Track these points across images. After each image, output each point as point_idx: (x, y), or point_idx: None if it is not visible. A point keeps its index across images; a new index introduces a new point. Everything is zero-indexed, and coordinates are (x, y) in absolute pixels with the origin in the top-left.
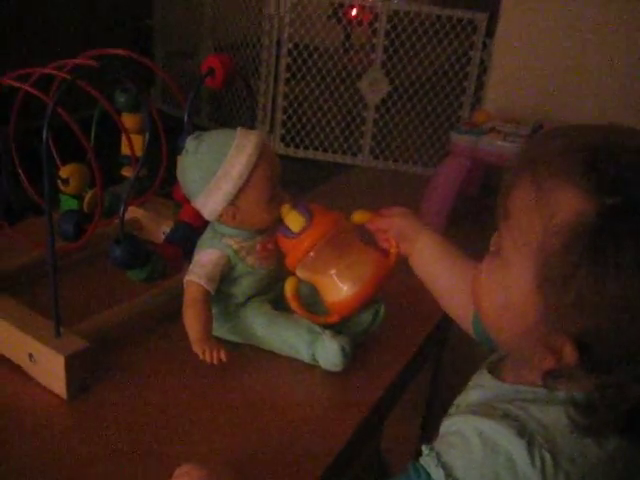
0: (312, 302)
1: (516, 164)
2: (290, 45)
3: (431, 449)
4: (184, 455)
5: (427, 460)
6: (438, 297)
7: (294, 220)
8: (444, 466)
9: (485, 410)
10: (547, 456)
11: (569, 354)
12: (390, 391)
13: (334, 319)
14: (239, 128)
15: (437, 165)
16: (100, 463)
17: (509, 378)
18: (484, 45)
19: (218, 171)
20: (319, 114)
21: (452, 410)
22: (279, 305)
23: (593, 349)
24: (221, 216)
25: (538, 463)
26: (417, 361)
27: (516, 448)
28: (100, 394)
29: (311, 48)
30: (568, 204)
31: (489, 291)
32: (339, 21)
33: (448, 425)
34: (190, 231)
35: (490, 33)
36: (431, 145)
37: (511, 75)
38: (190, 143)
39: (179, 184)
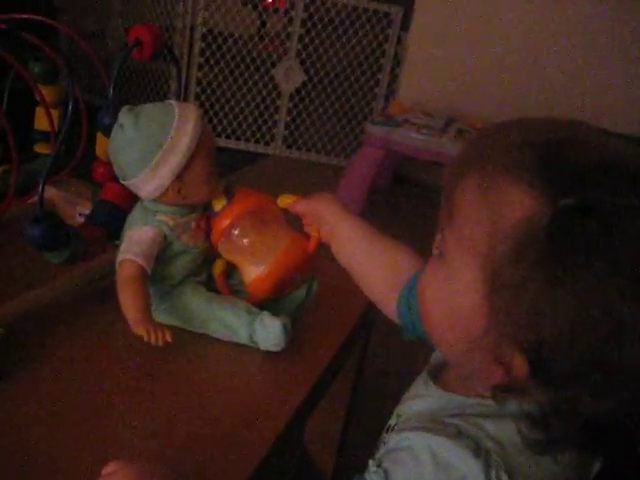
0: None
1: (461, 160)
2: (204, 30)
3: (379, 465)
4: (119, 445)
5: (374, 477)
6: (359, 283)
7: (217, 199)
8: None
9: (437, 426)
10: (504, 477)
11: (519, 367)
12: (327, 372)
13: (251, 301)
14: (173, 100)
15: (351, 156)
16: (18, 456)
17: (456, 389)
18: (399, 39)
19: (164, 144)
20: (232, 102)
21: (393, 420)
22: (213, 287)
23: (545, 362)
24: (166, 191)
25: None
26: (349, 343)
27: (472, 469)
28: (19, 384)
29: (226, 34)
30: (519, 205)
31: (434, 297)
32: (254, 7)
33: (398, 440)
34: (114, 211)
35: (405, 27)
36: (345, 136)
37: (425, 69)
38: (126, 117)
39: (100, 163)
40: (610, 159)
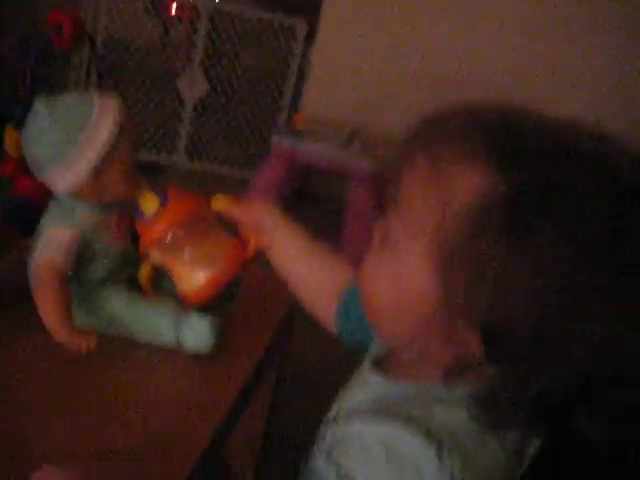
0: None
1: (407, 144)
2: (104, 36)
3: (328, 456)
4: (43, 457)
5: (325, 471)
6: (297, 291)
7: (148, 202)
8: (345, 477)
9: (386, 414)
10: (456, 460)
11: (473, 346)
12: (253, 375)
13: (183, 306)
14: (93, 92)
15: (257, 168)
16: None
17: (401, 377)
18: (303, 52)
19: (81, 136)
20: (134, 110)
21: (333, 412)
22: (134, 288)
23: (500, 339)
24: (81, 188)
25: (447, 469)
26: (274, 344)
27: (424, 455)
28: None
29: (127, 42)
30: (471, 185)
31: (378, 285)
32: (158, 16)
33: (346, 429)
34: (27, 206)
35: (310, 41)
36: (248, 147)
37: (329, 82)
38: (41, 105)
39: (8, 158)
40: (552, 139)
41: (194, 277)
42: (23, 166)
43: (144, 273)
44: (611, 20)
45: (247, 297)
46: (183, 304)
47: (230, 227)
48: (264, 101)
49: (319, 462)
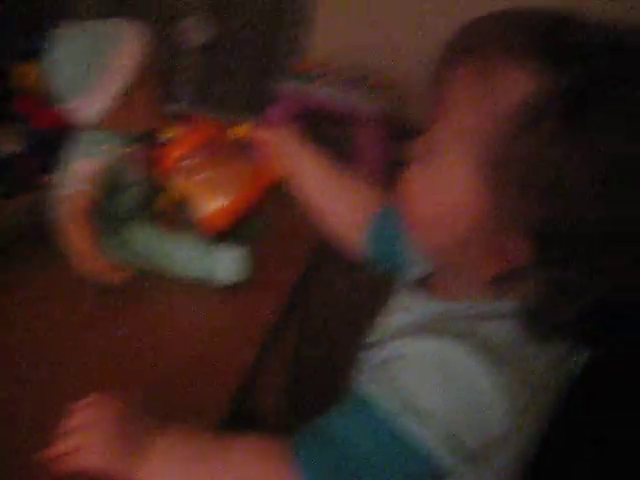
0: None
1: (451, 50)
2: None
3: (377, 376)
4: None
5: (375, 389)
6: (322, 217)
7: (167, 128)
8: (399, 394)
9: (434, 330)
10: (508, 372)
11: (522, 249)
12: (285, 307)
13: (205, 233)
14: (121, 18)
15: (262, 113)
16: None
17: (445, 295)
18: None
19: (110, 59)
20: None
21: (374, 337)
22: (162, 222)
23: (546, 240)
24: (108, 117)
25: (502, 377)
26: (304, 279)
27: (477, 364)
28: None
29: None
30: (521, 81)
31: (423, 197)
32: None
33: (390, 350)
34: (51, 139)
35: None
36: (255, 93)
37: (338, 23)
38: (67, 31)
39: (22, 93)
40: (604, 35)
41: (212, 202)
42: (40, 100)
43: (164, 198)
44: None
45: (276, 234)
46: (202, 232)
47: (250, 153)
48: (273, 43)
49: (364, 384)
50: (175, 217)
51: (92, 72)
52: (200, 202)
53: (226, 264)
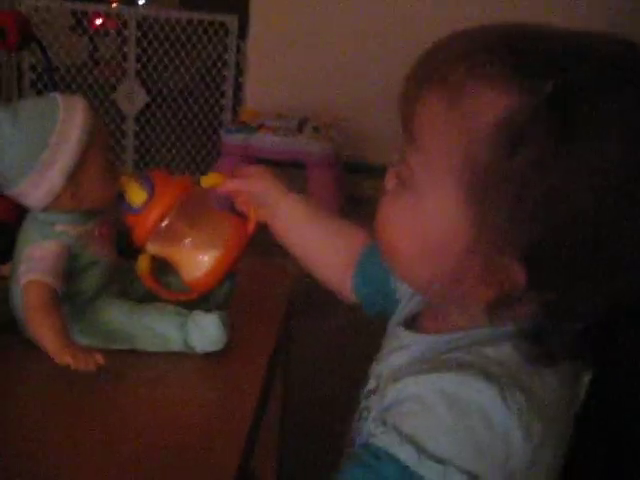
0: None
1: (414, 79)
2: (33, 60)
3: (384, 423)
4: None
5: (385, 439)
6: (308, 264)
7: (134, 193)
8: (410, 440)
9: (434, 365)
10: (520, 398)
11: (517, 273)
12: (270, 368)
13: (193, 295)
14: (55, 93)
15: (207, 170)
16: None
17: (440, 328)
18: (238, 47)
19: (51, 139)
20: None
21: (372, 384)
22: (129, 297)
23: (541, 263)
24: (59, 196)
25: (514, 406)
26: (283, 334)
27: (487, 397)
28: None
29: (57, 63)
30: (494, 101)
31: (404, 231)
32: (84, 32)
33: (395, 393)
34: (1, 227)
35: (242, 35)
36: (197, 151)
37: (269, 73)
38: (1, 114)
39: None
40: (573, 44)
41: (199, 262)
42: None
43: (143, 267)
44: None
45: (245, 288)
46: (192, 294)
47: (223, 204)
48: (206, 102)
49: (372, 436)
50: (151, 280)
51: (35, 152)
52: (188, 265)
53: (205, 332)
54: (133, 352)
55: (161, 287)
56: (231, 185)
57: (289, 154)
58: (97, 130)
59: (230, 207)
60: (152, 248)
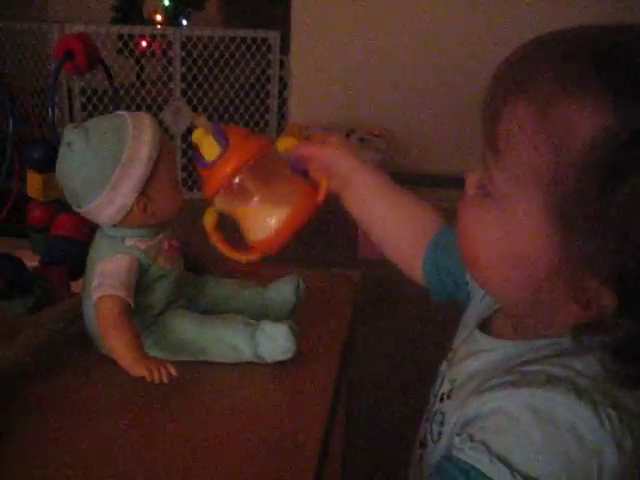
0: None
1: (500, 87)
2: (80, 85)
3: (470, 438)
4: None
5: (474, 455)
6: (378, 238)
7: (208, 147)
8: (501, 459)
9: (522, 377)
10: (612, 413)
11: (606, 299)
12: (340, 376)
13: (255, 256)
14: (123, 111)
15: None
16: None
17: (519, 335)
18: (281, 62)
19: (123, 156)
20: None
21: (445, 387)
22: (196, 309)
23: (632, 290)
24: (131, 211)
25: (607, 424)
26: (351, 340)
27: (580, 414)
28: (20, 443)
29: (104, 87)
30: (585, 120)
31: (486, 242)
32: (131, 54)
33: (480, 405)
34: (71, 246)
35: (285, 50)
36: None
37: (312, 87)
38: (73, 133)
39: (35, 204)
40: None
41: (265, 222)
42: (55, 207)
43: (209, 222)
44: None
45: (311, 298)
46: (253, 256)
47: (297, 168)
48: (251, 118)
49: (464, 447)
50: (216, 235)
51: (108, 170)
52: (254, 224)
53: (275, 342)
54: (203, 363)
55: (225, 244)
56: (305, 149)
57: None
58: (164, 145)
59: (304, 173)
60: (220, 204)
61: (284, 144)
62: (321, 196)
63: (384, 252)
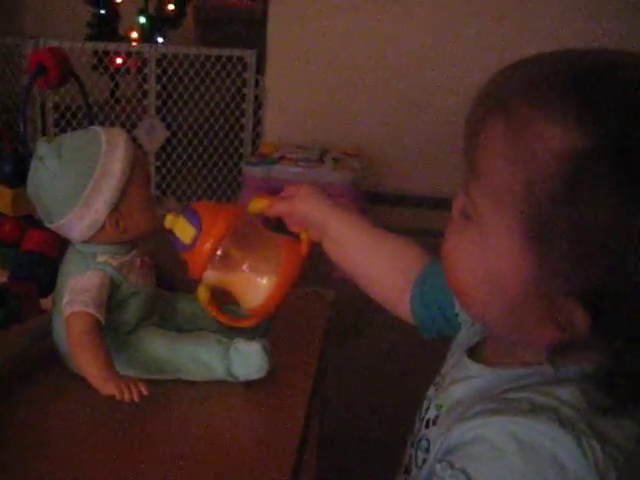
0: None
1: (478, 108)
2: (53, 101)
3: (450, 465)
4: None
5: None
6: (362, 283)
7: (183, 230)
8: None
9: (506, 405)
10: (594, 444)
11: (580, 319)
12: (313, 393)
13: (254, 321)
14: (97, 126)
15: (229, 202)
16: None
17: (503, 362)
18: (257, 81)
19: (95, 172)
20: None
21: (432, 413)
22: (169, 327)
23: (605, 309)
24: (103, 227)
25: (590, 455)
26: (324, 356)
27: (562, 444)
28: None
29: (75, 106)
30: (556, 140)
31: (466, 264)
32: (105, 70)
33: (464, 432)
34: (41, 261)
35: (260, 69)
36: (219, 186)
37: (288, 106)
38: (45, 148)
39: (5, 219)
40: None
41: (258, 289)
42: (25, 222)
43: (204, 298)
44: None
45: (284, 316)
46: (251, 321)
47: (274, 227)
48: (226, 136)
49: (443, 475)
50: (214, 308)
51: (80, 185)
52: (247, 292)
53: (248, 360)
54: (176, 381)
55: (224, 315)
56: (277, 208)
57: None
58: (138, 161)
59: (282, 229)
60: (209, 278)
61: (256, 207)
62: (304, 249)
63: (367, 292)
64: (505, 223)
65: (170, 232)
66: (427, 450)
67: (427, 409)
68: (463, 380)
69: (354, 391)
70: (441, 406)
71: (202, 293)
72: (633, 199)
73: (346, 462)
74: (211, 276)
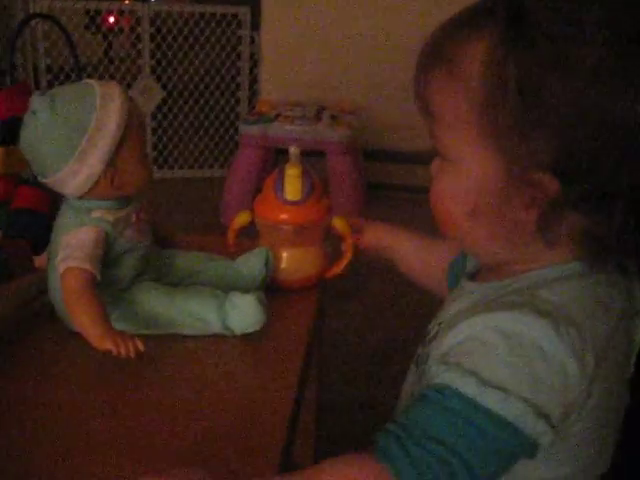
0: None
1: (421, 60)
2: (48, 62)
3: (445, 364)
4: (119, 460)
5: (447, 377)
6: (420, 280)
7: (293, 188)
8: (471, 373)
9: (490, 306)
10: (572, 330)
11: (549, 184)
12: (309, 347)
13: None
14: (92, 80)
15: (227, 164)
16: None
17: (493, 278)
18: (252, 38)
19: (90, 126)
20: None
21: (433, 330)
22: (164, 283)
23: (570, 174)
24: (98, 182)
25: (566, 337)
26: (321, 314)
27: (541, 330)
28: None
29: (72, 63)
30: (477, 49)
31: (448, 197)
32: (98, 30)
33: (455, 335)
34: (34, 218)
35: (255, 26)
36: (215, 145)
37: (283, 63)
38: (39, 101)
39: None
40: None
41: (288, 271)
42: (15, 180)
43: (239, 221)
44: None
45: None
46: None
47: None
48: (222, 95)
49: (434, 376)
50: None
51: (74, 139)
52: (286, 265)
53: (243, 313)
54: (171, 336)
55: (234, 245)
56: (367, 240)
57: (308, 143)
58: (133, 115)
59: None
60: (261, 226)
61: (339, 223)
62: (340, 267)
63: (426, 287)
64: (466, 140)
65: (277, 178)
66: (427, 366)
67: (428, 330)
68: (460, 297)
69: (355, 349)
70: (440, 323)
71: (242, 217)
72: (540, 54)
73: (347, 428)
74: (265, 230)
